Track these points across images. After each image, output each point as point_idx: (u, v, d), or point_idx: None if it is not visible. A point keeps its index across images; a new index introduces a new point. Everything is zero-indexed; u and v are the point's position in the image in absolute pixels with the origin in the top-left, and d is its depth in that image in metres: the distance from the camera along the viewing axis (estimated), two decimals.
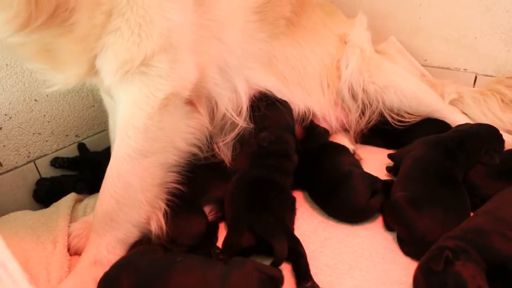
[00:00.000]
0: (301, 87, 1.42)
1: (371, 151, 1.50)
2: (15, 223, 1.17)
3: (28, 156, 1.43)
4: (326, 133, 1.41)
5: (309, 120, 1.42)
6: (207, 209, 1.12)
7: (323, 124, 1.46)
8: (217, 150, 1.20)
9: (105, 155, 1.30)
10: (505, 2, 1.52)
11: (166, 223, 1.01)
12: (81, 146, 1.55)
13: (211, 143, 1.17)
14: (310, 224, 1.12)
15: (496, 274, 0.81)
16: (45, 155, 1.47)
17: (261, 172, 1.13)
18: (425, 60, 1.79)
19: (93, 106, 1.57)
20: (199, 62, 1.05)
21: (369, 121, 1.51)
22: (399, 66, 1.59)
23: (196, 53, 1.04)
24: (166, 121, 0.98)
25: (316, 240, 1.05)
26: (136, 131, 0.96)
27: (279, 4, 1.33)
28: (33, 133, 1.43)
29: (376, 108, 1.49)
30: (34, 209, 1.29)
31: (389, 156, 1.32)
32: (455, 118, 1.48)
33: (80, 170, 1.49)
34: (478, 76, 1.68)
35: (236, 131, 1.23)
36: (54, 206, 1.25)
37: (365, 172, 1.19)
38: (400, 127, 1.47)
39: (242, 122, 1.22)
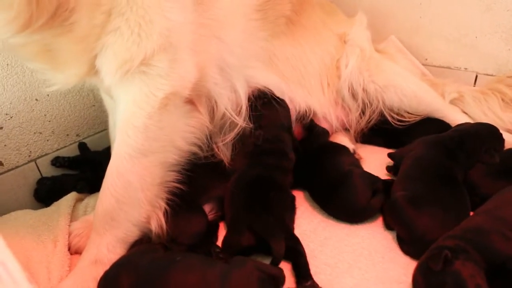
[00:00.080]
0: (302, 86, 1.42)
1: (371, 150, 1.50)
2: (16, 222, 1.17)
3: (29, 156, 1.43)
4: (325, 133, 1.41)
5: (309, 119, 1.42)
6: (207, 208, 1.12)
7: (323, 123, 1.46)
8: (216, 150, 1.20)
9: (105, 154, 1.30)
10: (506, 1, 1.52)
11: (166, 222, 1.01)
12: (82, 146, 1.55)
13: (210, 142, 1.17)
14: (310, 223, 1.12)
15: (496, 274, 0.81)
16: (46, 154, 1.47)
17: (260, 171, 1.13)
18: (426, 59, 1.79)
19: (93, 105, 1.57)
20: (199, 61, 1.05)
21: (369, 120, 1.51)
22: (399, 65, 1.59)
23: (196, 53, 1.04)
24: (166, 121, 0.98)
25: (316, 239, 1.05)
26: (136, 130, 0.96)
27: (280, 3, 1.33)
28: (34, 133, 1.43)
29: (376, 107, 1.49)
30: (35, 208, 1.30)
31: (389, 155, 1.32)
32: (456, 117, 1.48)
33: (80, 169, 1.49)
34: (478, 75, 1.67)
35: (236, 131, 1.23)
36: (55, 205, 1.25)
37: (365, 172, 1.19)
38: (400, 127, 1.47)
39: (241, 121, 1.22)
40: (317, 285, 0.89)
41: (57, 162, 1.47)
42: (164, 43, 0.94)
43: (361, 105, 1.50)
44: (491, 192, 1.04)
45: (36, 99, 1.41)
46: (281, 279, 0.86)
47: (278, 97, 1.30)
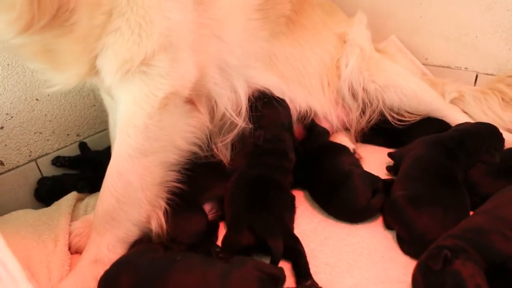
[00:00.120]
0: (302, 86, 1.42)
1: (371, 150, 1.50)
2: (17, 222, 1.18)
3: (30, 155, 1.43)
4: (326, 133, 1.41)
5: (310, 119, 1.42)
6: (207, 208, 1.12)
7: (324, 123, 1.46)
8: (216, 150, 1.20)
9: (106, 154, 1.30)
10: (506, 0, 1.52)
11: (166, 221, 1.01)
12: (83, 145, 1.55)
13: (210, 143, 1.17)
14: (310, 223, 1.12)
15: (496, 274, 0.81)
16: (46, 154, 1.47)
17: (260, 171, 1.13)
18: (426, 59, 1.79)
19: (94, 105, 1.58)
20: (199, 61, 1.05)
21: (369, 120, 1.51)
22: (399, 65, 1.59)
23: (196, 52, 1.04)
24: (166, 120, 0.99)
25: (315, 239, 1.06)
26: (136, 130, 0.96)
27: (280, 2, 1.33)
28: (35, 132, 1.43)
29: (377, 107, 1.49)
30: (35, 208, 1.30)
31: (389, 155, 1.32)
32: (456, 117, 1.48)
33: (81, 169, 1.50)
34: (479, 75, 1.67)
35: (235, 131, 1.23)
36: (56, 205, 1.25)
37: (366, 172, 1.19)
38: (400, 126, 1.47)
39: (241, 122, 1.22)
40: (317, 284, 0.89)
41: (57, 161, 1.47)
42: (165, 42, 0.94)
43: (361, 104, 1.49)
44: (491, 191, 1.04)
45: (37, 99, 1.41)
46: (281, 278, 0.87)
47: (278, 97, 1.30)
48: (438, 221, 0.97)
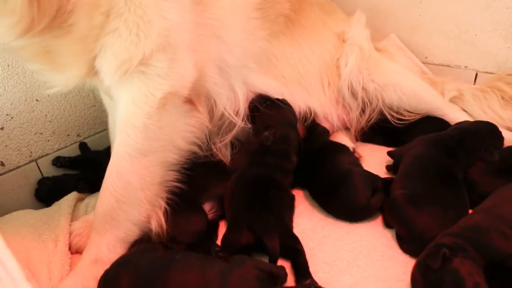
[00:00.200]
0: (301, 86, 1.42)
1: (371, 149, 1.50)
2: (17, 222, 1.18)
3: (30, 156, 1.44)
4: (326, 132, 1.41)
5: (311, 119, 1.42)
6: (207, 207, 1.12)
7: (325, 123, 1.46)
8: (215, 150, 1.21)
9: (106, 154, 1.30)
10: None
11: (166, 221, 1.01)
12: (83, 146, 1.56)
13: (209, 142, 1.17)
14: (309, 222, 1.12)
15: (495, 272, 0.81)
16: (46, 154, 1.48)
17: (260, 170, 1.13)
18: (426, 58, 1.79)
19: (94, 105, 1.58)
20: (198, 61, 1.05)
21: (369, 119, 1.51)
22: (399, 63, 1.59)
23: (195, 52, 1.04)
24: (165, 120, 0.99)
25: (315, 238, 1.06)
26: (135, 130, 0.97)
27: (279, 1, 1.33)
28: (35, 133, 1.44)
29: (376, 106, 1.48)
30: (36, 208, 1.31)
31: (389, 154, 1.32)
32: (455, 115, 1.47)
33: (81, 169, 1.50)
34: (478, 73, 1.67)
35: (234, 131, 1.23)
36: (56, 205, 1.26)
37: (365, 171, 1.19)
38: (400, 125, 1.47)
39: (240, 122, 1.22)
40: (316, 283, 0.89)
41: (58, 162, 1.47)
42: (163, 43, 0.94)
43: (361, 104, 1.49)
44: (490, 190, 1.05)
45: (37, 100, 1.41)
46: (281, 277, 0.87)
47: (278, 98, 1.30)
48: (438, 220, 0.97)
